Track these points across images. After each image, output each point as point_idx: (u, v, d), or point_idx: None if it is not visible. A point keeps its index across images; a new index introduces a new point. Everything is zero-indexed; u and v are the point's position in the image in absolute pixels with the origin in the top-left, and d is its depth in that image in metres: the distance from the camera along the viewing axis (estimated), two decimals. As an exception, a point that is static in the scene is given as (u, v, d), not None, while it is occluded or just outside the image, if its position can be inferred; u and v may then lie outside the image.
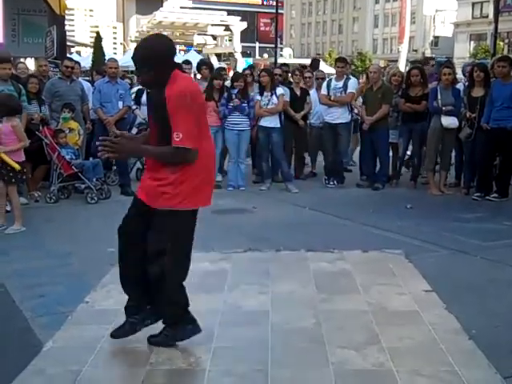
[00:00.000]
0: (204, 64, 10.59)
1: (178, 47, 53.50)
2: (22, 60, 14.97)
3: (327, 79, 10.04)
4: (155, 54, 3.54)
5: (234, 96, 9.07)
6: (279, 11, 34.98)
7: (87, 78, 11.80)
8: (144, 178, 3.71)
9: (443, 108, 8.68)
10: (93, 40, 44.10)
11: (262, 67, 27.73)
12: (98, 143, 3.52)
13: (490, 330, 4.02)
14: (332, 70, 10.69)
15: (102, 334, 3.87)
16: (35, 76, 9.12)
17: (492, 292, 4.80)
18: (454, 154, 9.39)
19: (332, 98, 9.42)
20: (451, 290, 4.71)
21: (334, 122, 9.44)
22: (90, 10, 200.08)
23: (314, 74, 11.01)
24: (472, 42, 62.70)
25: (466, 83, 9.29)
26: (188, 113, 3.44)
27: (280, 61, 27.62)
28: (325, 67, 28.78)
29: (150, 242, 3.60)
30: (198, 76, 10.83)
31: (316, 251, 5.74)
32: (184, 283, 3.77)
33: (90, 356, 3.57)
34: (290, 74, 11.29)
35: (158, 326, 3.75)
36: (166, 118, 3.48)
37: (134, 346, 3.72)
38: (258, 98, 9.26)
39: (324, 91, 9.55)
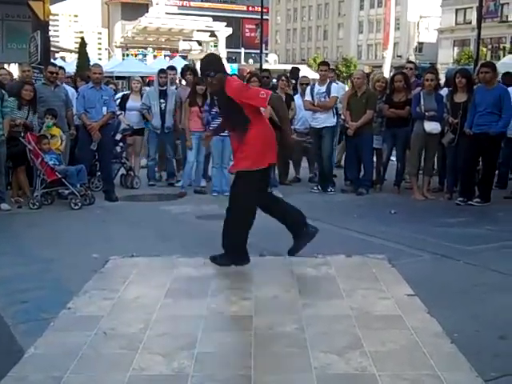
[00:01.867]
0: (188, 69, 10.59)
1: (163, 53, 53.55)
2: (5, 66, 14.89)
3: (311, 84, 10.08)
4: None
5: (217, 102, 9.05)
6: (264, 17, 35.11)
7: (71, 84, 11.74)
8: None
9: (426, 113, 8.74)
10: (77, 46, 43.88)
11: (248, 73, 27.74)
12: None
13: (472, 333, 4.05)
14: (317, 76, 10.75)
15: (84, 340, 3.85)
16: (31, 83, 9.03)
17: (474, 296, 4.83)
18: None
19: (316, 103, 9.44)
20: (434, 295, 4.73)
21: (319, 126, 9.47)
22: (75, 16, 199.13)
23: (299, 80, 11.08)
24: (455, 48, 63.18)
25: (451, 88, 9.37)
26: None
27: (265, 67, 27.69)
28: (310, 73, 28.88)
29: None
30: (183, 82, 10.83)
31: (299, 256, 5.74)
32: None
33: (71, 362, 3.55)
34: (274, 80, 11.34)
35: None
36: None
37: (116, 352, 3.71)
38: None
39: (308, 97, 9.58)
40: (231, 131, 5.51)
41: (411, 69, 10.39)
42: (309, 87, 9.84)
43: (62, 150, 8.64)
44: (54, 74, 9.04)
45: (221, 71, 5.28)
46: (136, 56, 49.34)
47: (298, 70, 13.93)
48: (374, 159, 9.71)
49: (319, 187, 9.48)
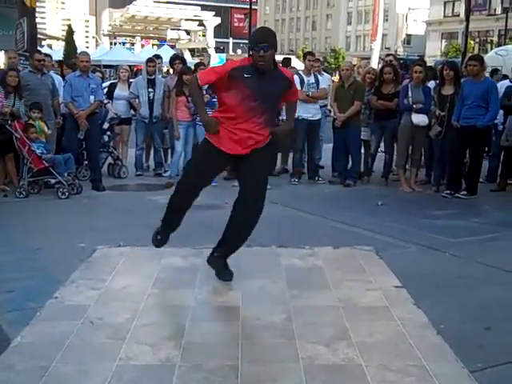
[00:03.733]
0: (177, 59, 10.55)
1: (150, 42, 53.30)
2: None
3: (295, 76, 10.00)
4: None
5: (204, 92, 9.02)
6: (253, 7, 34.99)
7: (57, 72, 11.64)
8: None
9: (414, 106, 8.76)
10: (64, 33, 43.56)
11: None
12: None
13: (458, 325, 4.08)
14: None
15: (71, 329, 3.84)
16: (15, 69, 8.94)
17: (460, 288, 4.86)
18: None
19: (311, 95, 9.44)
20: (420, 286, 4.76)
21: (313, 118, 9.49)
22: (62, 3, 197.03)
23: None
24: (444, 41, 63.29)
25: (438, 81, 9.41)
26: None
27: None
28: (298, 64, 28.83)
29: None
30: (171, 71, 10.79)
31: (287, 247, 5.76)
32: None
33: (58, 352, 3.54)
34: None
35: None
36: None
37: (103, 342, 3.70)
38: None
39: (298, 87, 9.53)
40: (264, 114, 4.60)
41: (391, 61, 10.36)
42: (298, 78, 9.76)
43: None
44: (42, 62, 8.97)
45: (275, 48, 4.53)
46: (124, 45, 49.10)
47: (289, 60, 13.90)
48: (362, 151, 9.74)
49: (296, 179, 9.48)
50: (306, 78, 9.51)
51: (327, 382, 3.29)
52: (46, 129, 8.53)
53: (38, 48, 15.13)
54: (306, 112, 9.46)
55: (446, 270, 5.31)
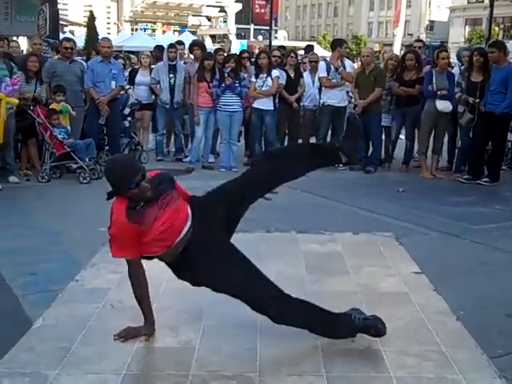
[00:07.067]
0: (195, 45, 10.53)
1: (172, 28, 53.22)
2: (14, 38, 14.84)
3: (322, 62, 9.98)
4: None
5: (226, 74, 9.03)
6: (274, -7, 34.77)
7: (81, 58, 11.68)
8: None
9: (438, 92, 8.67)
10: (86, 19, 43.62)
11: (257, 49, 27.65)
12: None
13: (478, 311, 4.06)
14: (326, 53, 10.62)
15: (92, 312, 3.89)
16: (36, 54, 8.99)
17: (481, 274, 4.84)
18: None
19: (337, 80, 9.49)
20: (440, 272, 4.73)
21: (339, 104, 9.48)
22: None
23: (308, 57, 11.04)
24: (467, 27, 62.48)
25: (462, 67, 9.31)
26: None
27: (274, 43, 27.47)
28: (320, 50, 28.68)
29: None
30: (192, 56, 10.80)
31: (307, 233, 5.75)
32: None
33: (79, 334, 3.58)
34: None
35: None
36: None
37: (123, 324, 3.72)
38: (253, 80, 9.26)
39: (324, 73, 9.50)
40: None
41: (420, 47, 10.20)
42: (324, 64, 9.72)
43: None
44: (69, 49, 8.99)
45: None
46: (145, 31, 49.07)
47: (312, 47, 13.91)
48: (383, 137, 9.68)
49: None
50: (332, 66, 9.48)
51: (346, 367, 3.29)
52: (70, 109, 8.57)
53: (61, 34, 15.23)
54: (332, 98, 9.45)
55: (467, 257, 5.28)
